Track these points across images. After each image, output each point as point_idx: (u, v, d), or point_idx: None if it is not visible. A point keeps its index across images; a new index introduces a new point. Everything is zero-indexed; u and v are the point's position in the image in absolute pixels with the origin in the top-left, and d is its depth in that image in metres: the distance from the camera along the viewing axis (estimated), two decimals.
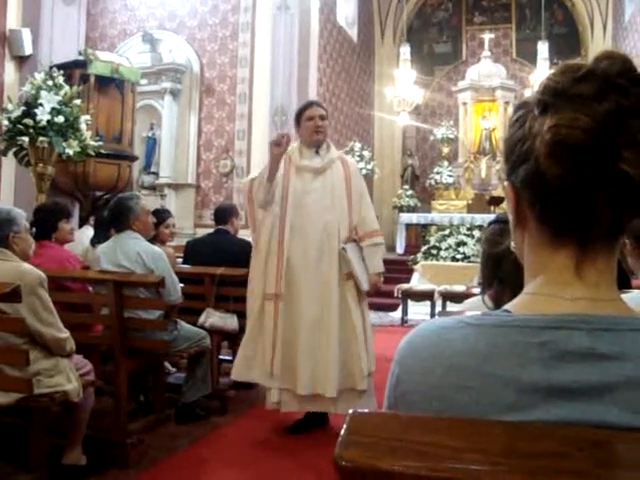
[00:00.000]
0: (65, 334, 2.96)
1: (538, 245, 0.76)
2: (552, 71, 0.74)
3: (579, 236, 0.72)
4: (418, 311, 8.80)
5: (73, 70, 7.62)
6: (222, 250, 4.80)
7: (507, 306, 0.77)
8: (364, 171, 12.56)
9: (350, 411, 0.70)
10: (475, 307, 1.84)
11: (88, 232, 5.35)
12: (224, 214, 5.16)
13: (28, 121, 6.13)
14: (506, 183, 0.78)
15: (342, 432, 0.67)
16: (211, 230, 5.38)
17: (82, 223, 6.86)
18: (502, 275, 1.54)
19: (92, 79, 7.77)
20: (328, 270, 3.75)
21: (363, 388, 3.71)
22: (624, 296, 0.76)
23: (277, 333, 3.71)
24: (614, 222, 0.71)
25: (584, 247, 0.72)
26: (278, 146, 3.63)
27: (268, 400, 3.84)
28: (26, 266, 2.90)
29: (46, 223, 4.01)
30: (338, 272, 3.76)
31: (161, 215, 4.95)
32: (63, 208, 4.26)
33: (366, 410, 0.72)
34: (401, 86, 13.20)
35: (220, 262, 4.63)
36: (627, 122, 0.67)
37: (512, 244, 0.82)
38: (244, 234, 5.33)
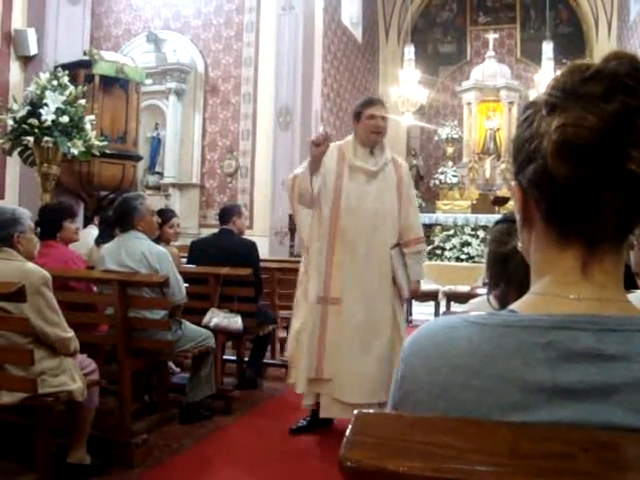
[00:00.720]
0: (69, 333, 2.97)
1: (545, 245, 0.76)
2: (560, 71, 0.73)
3: (586, 236, 0.72)
4: (422, 311, 8.80)
5: (78, 70, 7.63)
6: (227, 250, 4.81)
7: (513, 306, 0.77)
8: None
9: (355, 412, 0.70)
10: (480, 307, 1.83)
11: (93, 232, 5.36)
12: (226, 214, 5.18)
13: (33, 121, 6.15)
14: (513, 182, 0.78)
15: (347, 433, 0.67)
16: (215, 230, 5.39)
17: (87, 223, 6.87)
18: (508, 275, 1.53)
19: (97, 79, 7.78)
20: (377, 275, 3.66)
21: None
22: (630, 296, 0.76)
23: (325, 337, 3.62)
24: (621, 222, 0.71)
25: (591, 247, 0.72)
26: (317, 146, 3.46)
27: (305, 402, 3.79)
28: (31, 266, 2.90)
29: (51, 223, 4.01)
30: (388, 277, 3.69)
31: (165, 215, 4.96)
32: (68, 208, 4.27)
33: (370, 411, 0.72)
34: (405, 86, 13.19)
35: (225, 262, 4.63)
36: (635, 122, 0.67)
37: (519, 244, 0.82)
38: (249, 234, 5.34)
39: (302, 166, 3.67)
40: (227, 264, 4.60)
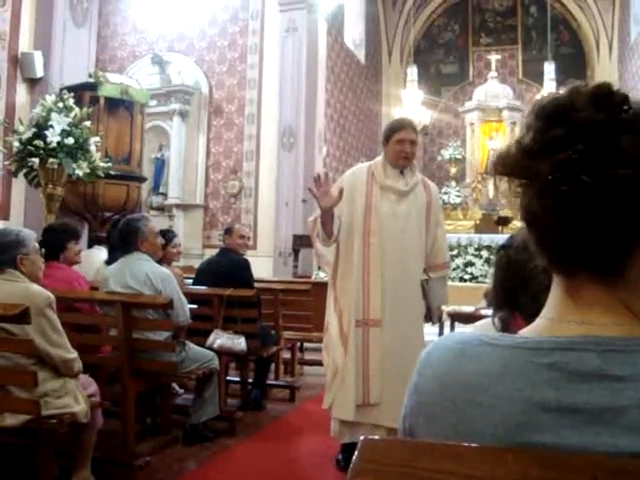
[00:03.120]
0: (73, 354, 2.96)
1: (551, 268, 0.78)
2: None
3: (564, 269, 0.74)
4: (427, 331, 8.73)
5: (83, 92, 7.69)
6: (221, 270, 4.86)
7: (522, 331, 0.78)
8: None
9: (362, 438, 0.70)
10: (485, 330, 1.83)
11: (100, 253, 5.37)
12: (224, 233, 5.30)
13: (39, 142, 6.19)
14: None
15: (354, 459, 0.67)
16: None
17: (91, 244, 6.89)
18: (518, 304, 1.53)
19: (102, 101, 7.84)
20: (408, 301, 3.56)
21: None
22: None
23: (368, 360, 3.48)
24: (595, 257, 0.71)
25: (569, 278, 0.74)
26: (317, 185, 3.30)
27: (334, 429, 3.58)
28: (35, 287, 2.91)
29: (54, 243, 4.02)
30: (419, 304, 3.63)
31: (168, 235, 4.97)
32: (71, 229, 4.28)
33: (377, 437, 0.72)
34: (408, 107, 13.26)
35: (219, 282, 4.67)
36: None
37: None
38: (252, 254, 5.37)
39: (317, 211, 3.51)
40: (221, 284, 4.63)
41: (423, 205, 3.65)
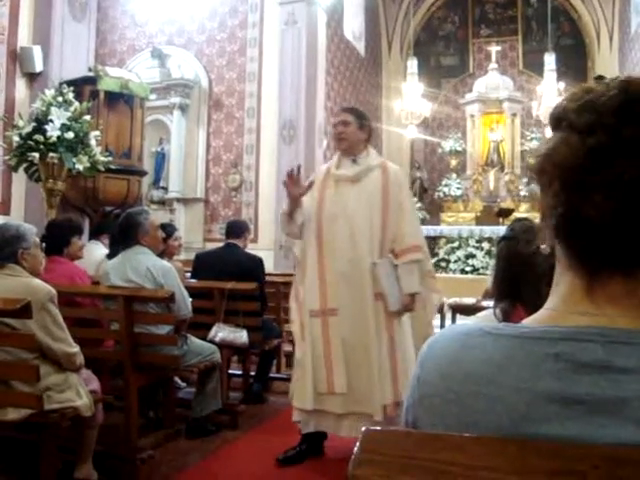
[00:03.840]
0: (75, 349, 2.97)
1: (558, 255, 0.77)
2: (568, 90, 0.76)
3: (585, 263, 0.73)
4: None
5: (83, 86, 7.67)
6: (234, 264, 4.82)
7: (525, 321, 0.77)
8: None
9: (363, 429, 0.70)
10: (487, 321, 1.83)
11: (98, 248, 5.36)
12: (239, 228, 5.21)
13: (38, 137, 6.18)
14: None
15: (355, 450, 0.67)
16: (220, 244, 5.40)
17: (91, 238, 6.89)
18: (520, 294, 1.54)
19: (101, 95, 7.82)
20: (359, 288, 3.49)
21: (379, 418, 3.42)
22: None
23: (330, 349, 3.49)
24: (621, 254, 0.70)
25: (592, 274, 0.73)
26: (291, 185, 3.46)
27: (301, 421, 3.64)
28: (36, 282, 2.91)
29: (59, 238, 4.03)
30: (370, 290, 3.49)
31: (169, 229, 4.98)
32: (76, 224, 4.29)
33: (378, 428, 0.72)
34: (408, 99, 13.23)
35: (232, 276, 4.64)
36: (608, 162, 0.67)
37: (542, 246, 0.83)
38: (253, 247, 5.36)
39: (286, 202, 3.64)
40: (234, 278, 4.60)
41: (377, 189, 3.57)
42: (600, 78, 0.73)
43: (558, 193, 0.71)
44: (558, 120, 0.72)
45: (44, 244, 3.61)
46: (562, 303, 0.75)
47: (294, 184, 3.49)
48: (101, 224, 6.36)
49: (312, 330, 3.54)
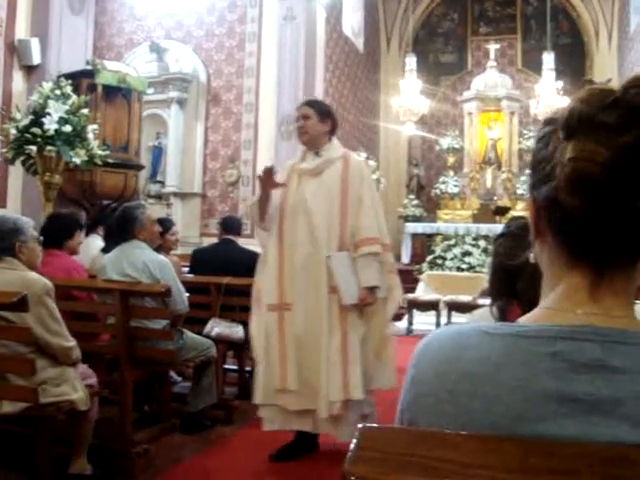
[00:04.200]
0: (71, 342, 2.97)
1: (555, 259, 0.76)
2: (581, 93, 0.72)
3: (595, 258, 0.72)
4: (424, 321, 8.78)
5: (81, 79, 7.66)
6: (231, 260, 4.82)
7: (521, 319, 0.77)
8: None
9: (360, 426, 0.70)
10: (483, 318, 1.84)
11: (95, 242, 5.36)
12: (235, 224, 5.21)
13: (36, 130, 6.17)
14: (528, 195, 0.79)
15: (351, 447, 0.67)
16: (216, 239, 5.40)
17: (88, 232, 6.88)
18: (515, 291, 1.54)
19: (99, 88, 7.81)
20: (315, 282, 3.44)
21: (323, 415, 3.37)
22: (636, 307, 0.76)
23: (285, 344, 3.46)
24: (633, 247, 0.71)
25: (600, 269, 0.72)
26: (267, 176, 3.50)
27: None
28: (33, 275, 2.91)
29: (63, 230, 4.02)
30: (325, 285, 3.42)
31: (167, 224, 4.98)
32: (79, 218, 4.30)
33: (375, 425, 0.72)
34: (407, 96, 13.21)
35: (228, 271, 4.63)
36: None
37: (531, 255, 0.83)
38: (246, 242, 5.36)
39: (257, 194, 3.67)
40: (231, 274, 4.60)
41: (336, 182, 3.51)
42: (590, 82, 0.73)
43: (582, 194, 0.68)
44: (579, 122, 0.69)
45: (42, 237, 3.61)
46: (560, 301, 0.74)
47: (269, 181, 3.52)
48: (97, 217, 6.35)
49: (268, 325, 3.51)
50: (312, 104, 3.71)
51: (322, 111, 3.64)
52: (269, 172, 3.49)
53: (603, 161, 0.66)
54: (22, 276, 2.87)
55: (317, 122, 3.58)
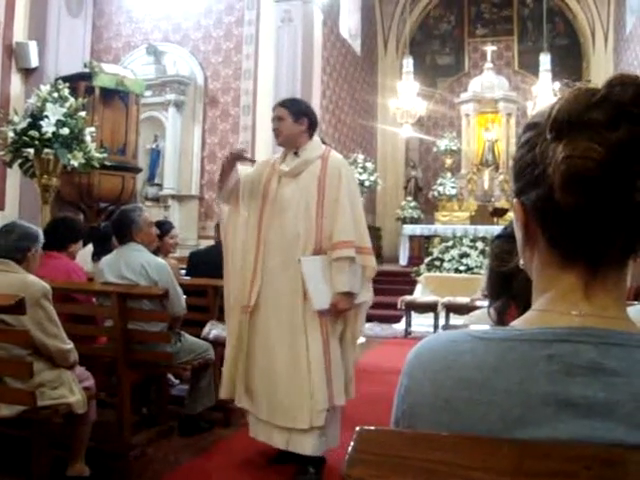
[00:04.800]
0: (69, 345, 2.97)
1: (547, 263, 0.76)
2: (566, 94, 0.72)
3: (589, 258, 0.72)
4: (422, 323, 8.78)
5: (78, 82, 7.67)
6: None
7: (514, 323, 0.77)
8: (367, 182, 12.57)
9: (357, 428, 0.70)
10: (480, 320, 1.84)
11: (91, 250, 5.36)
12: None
13: (34, 133, 6.17)
14: (515, 201, 0.78)
15: (349, 449, 0.68)
16: (213, 242, 5.39)
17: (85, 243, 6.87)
18: (511, 292, 1.54)
19: (97, 91, 7.82)
20: (289, 286, 3.30)
21: (303, 427, 3.21)
22: (628, 309, 0.76)
23: (254, 348, 3.38)
24: (626, 245, 0.71)
25: (594, 268, 0.72)
26: (232, 157, 3.41)
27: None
28: (31, 278, 2.91)
29: (69, 233, 4.03)
30: (300, 290, 3.28)
31: (166, 226, 4.97)
32: (84, 227, 4.31)
33: (372, 427, 0.72)
34: (404, 98, 13.23)
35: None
36: None
37: (521, 261, 0.82)
38: None
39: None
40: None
41: (312, 183, 3.37)
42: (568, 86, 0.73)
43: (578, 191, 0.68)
44: (568, 122, 0.69)
45: (44, 239, 3.61)
46: (554, 303, 0.74)
47: (232, 166, 3.42)
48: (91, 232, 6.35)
49: (240, 326, 3.43)
50: (286, 104, 3.55)
51: (297, 111, 3.49)
52: (236, 157, 3.42)
53: (598, 157, 0.67)
54: (21, 279, 2.88)
55: (292, 123, 3.45)
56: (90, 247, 5.42)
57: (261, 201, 3.46)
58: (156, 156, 11.75)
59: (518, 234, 0.80)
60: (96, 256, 4.73)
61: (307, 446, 3.23)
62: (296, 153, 3.47)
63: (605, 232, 0.69)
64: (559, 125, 0.70)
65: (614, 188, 0.67)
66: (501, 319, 1.63)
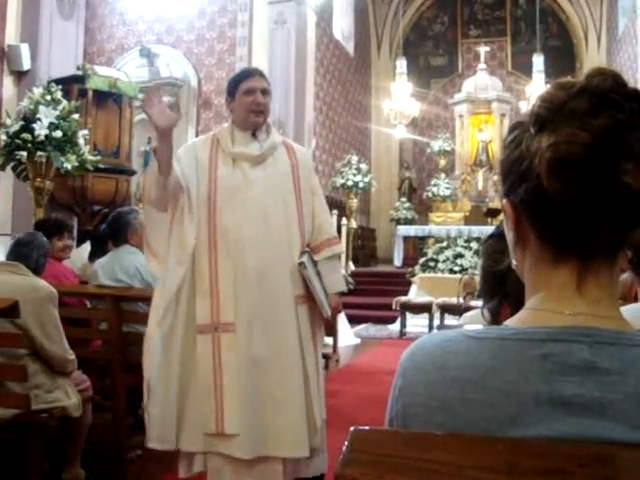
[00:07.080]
0: (71, 356, 2.97)
1: (539, 262, 0.76)
2: (546, 89, 0.74)
3: (581, 251, 0.72)
4: (416, 323, 8.80)
5: (71, 85, 7.64)
6: None
7: (508, 322, 0.77)
8: (361, 184, 12.58)
9: (352, 428, 0.70)
10: (474, 320, 1.84)
11: (87, 248, 5.35)
12: None
13: (26, 136, 6.15)
14: (504, 201, 0.78)
15: (344, 449, 0.67)
16: None
17: (80, 237, 6.86)
18: (504, 291, 1.54)
19: (90, 94, 7.79)
20: (277, 291, 2.75)
21: (315, 445, 2.75)
22: (621, 308, 0.76)
23: (221, 375, 2.64)
24: (616, 235, 0.71)
25: (586, 262, 0.72)
26: (151, 98, 2.64)
27: (186, 469, 2.75)
28: (40, 281, 2.93)
29: (51, 228, 4.03)
30: (290, 295, 2.77)
31: None
32: (57, 223, 4.25)
33: (367, 427, 0.72)
34: (397, 99, 13.26)
35: None
36: (624, 135, 0.67)
37: (513, 262, 0.82)
38: None
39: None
40: None
41: (287, 171, 2.87)
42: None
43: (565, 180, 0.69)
44: (550, 113, 0.70)
45: None
46: (548, 302, 0.74)
47: (159, 112, 2.64)
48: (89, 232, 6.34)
49: (200, 350, 2.68)
50: (267, 78, 2.94)
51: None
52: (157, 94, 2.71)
53: (583, 142, 0.68)
54: (29, 281, 2.88)
55: (270, 99, 2.92)
56: (87, 245, 5.41)
57: (208, 191, 2.76)
58: (150, 158, 11.73)
59: (509, 235, 0.80)
60: (93, 257, 4.72)
61: (310, 469, 2.83)
62: (254, 135, 2.86)
63: (594, 218, 0.69)
64: (542, 118, 0.71)
65: (600, 170, 0.68)
66: (495, 319, 1.62)
